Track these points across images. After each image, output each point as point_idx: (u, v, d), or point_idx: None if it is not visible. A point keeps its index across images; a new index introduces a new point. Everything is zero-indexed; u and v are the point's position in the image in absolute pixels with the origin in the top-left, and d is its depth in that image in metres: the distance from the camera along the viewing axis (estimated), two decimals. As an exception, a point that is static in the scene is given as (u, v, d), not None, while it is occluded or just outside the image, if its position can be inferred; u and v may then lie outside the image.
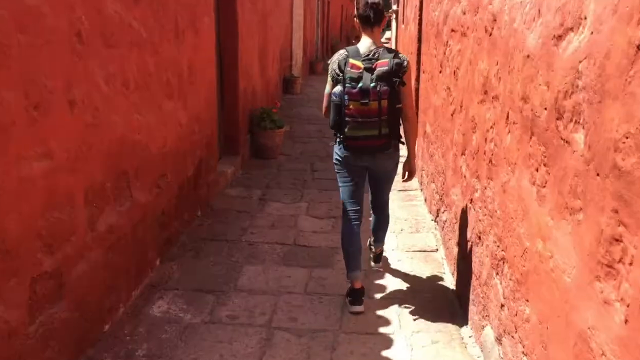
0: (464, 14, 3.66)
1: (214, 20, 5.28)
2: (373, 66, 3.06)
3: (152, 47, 3.72)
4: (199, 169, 4.91)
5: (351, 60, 3.12)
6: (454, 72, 3.99)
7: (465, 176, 3.55)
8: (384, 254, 4.18)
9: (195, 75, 4.72)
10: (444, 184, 4.37)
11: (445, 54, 4.40)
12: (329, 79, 3.27)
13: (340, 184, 3.47)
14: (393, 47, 13.81)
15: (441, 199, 4.49)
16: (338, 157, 3.37)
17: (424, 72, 5.75)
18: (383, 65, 3.06)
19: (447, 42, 4.32)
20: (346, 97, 3.08)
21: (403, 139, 3.32)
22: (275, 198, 5.69)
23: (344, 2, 27.99)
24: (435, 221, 4.74)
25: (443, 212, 4.36)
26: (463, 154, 3.66)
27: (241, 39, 6.42)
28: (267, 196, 5.75)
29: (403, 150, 3.48)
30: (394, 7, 14.02)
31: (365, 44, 3.21)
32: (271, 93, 9.02)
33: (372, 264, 4.01)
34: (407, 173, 3.50)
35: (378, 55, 3.11)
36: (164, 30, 3.94)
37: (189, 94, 4.55)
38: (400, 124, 3.28)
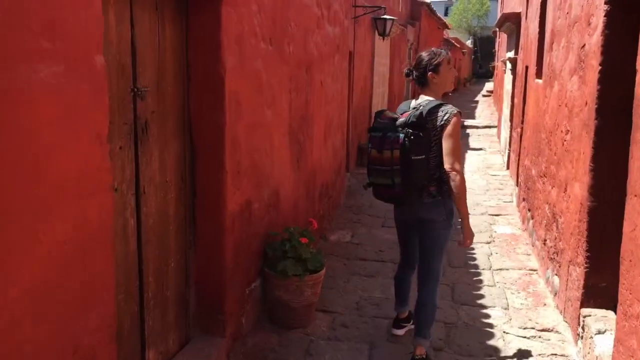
0: None
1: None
2: (400, 117, 3.15)
3: None
4: None
5: (385, 112, 3.27)
6: None
7: None
8: None
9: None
10: None
11: None
12: None
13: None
14: (507, 108, 10.06)
15: None
16: (394, 208, 3.48)
17: (636, 196, 2.17)
18: (405, 116, 3.11)
19: None
20: (370, 145, 3.19)
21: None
22: None
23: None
24: None
25: None
26: None
27: (233, 111, 3.17)
28: None
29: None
30: (509, 54, 10.37)
31: (419, 98, 3.24)
32: (324, 185, 5.68)
33: None
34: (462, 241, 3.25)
35: (414, 110, 3.12)
36: None
37: None
38: (421, 177, 3.08)
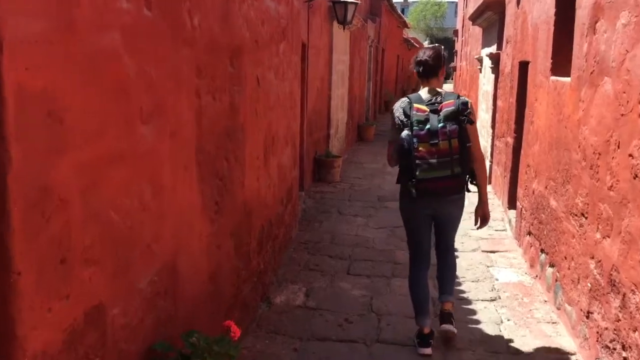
0: None
1: None
2: (438, 108, 3.05)
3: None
4: None
5: (416, 105, 3.09)
6: None
7: None
8: None
9: None
10: None
11: None
12: (394, 127, 3.18)
13: (408, 234, 3.40)
14: (486, 113, 8.57)
15: None
16: (406, 206, 3.29)
17: None
18: (449, 105, 3.04)
19: None
20: (415, 139, 3.01)
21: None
22: None
23: (400, 51, 23.21)
24: None
25: None
26: None
27: (36, 134, 1.41)
28: None
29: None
30: (488, 50, 8.90)
31: (425, 90, 3.19)
32: (265, 226, 3.94)
33: (441, 325, 3.35)
34: (479, 219, 3.37)
35: (441, 99, 3.09)
36: None
37: None
38: (470, 164, 3.15)
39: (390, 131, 3.27)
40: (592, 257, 3.18)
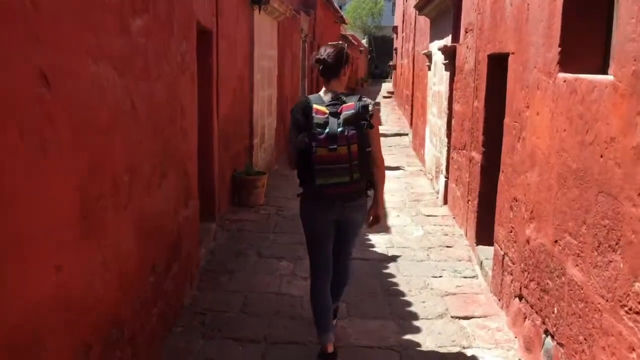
0: None
1: None
2: (338, 110, 2.88)
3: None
4: None
5: (315, 106, 2.91)
6: None
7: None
8: None
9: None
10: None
11: None
12: (294, 128, 2.96)
13: (308, 240, 3.16)
14: (438, 118, 7.04)
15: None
16: (306, 211, 3.09)
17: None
18: (349, 108, 2.88)
19: None
20: (314, 144, 2.84)
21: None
22: None
23: (338, 47, 21.69)
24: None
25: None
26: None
27: None
28: None
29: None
30: (440, 42, 7.43)
31: (326, 90, 3.02)
32: (100, 336, 2.23)
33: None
34: (372, 218, 3.16)
35: (342, 101, 2.91)
36: None
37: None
38: (371, 169, 3.01)
39: (290, 132, 3.01)
40: (694, 413, 1.66)
